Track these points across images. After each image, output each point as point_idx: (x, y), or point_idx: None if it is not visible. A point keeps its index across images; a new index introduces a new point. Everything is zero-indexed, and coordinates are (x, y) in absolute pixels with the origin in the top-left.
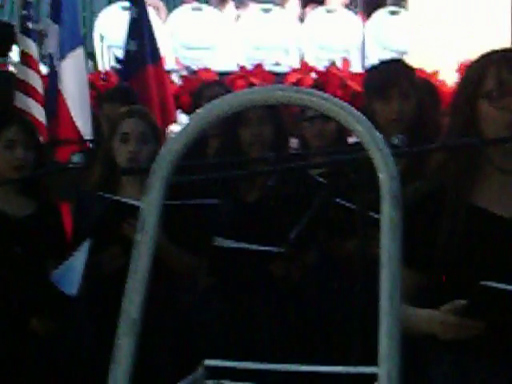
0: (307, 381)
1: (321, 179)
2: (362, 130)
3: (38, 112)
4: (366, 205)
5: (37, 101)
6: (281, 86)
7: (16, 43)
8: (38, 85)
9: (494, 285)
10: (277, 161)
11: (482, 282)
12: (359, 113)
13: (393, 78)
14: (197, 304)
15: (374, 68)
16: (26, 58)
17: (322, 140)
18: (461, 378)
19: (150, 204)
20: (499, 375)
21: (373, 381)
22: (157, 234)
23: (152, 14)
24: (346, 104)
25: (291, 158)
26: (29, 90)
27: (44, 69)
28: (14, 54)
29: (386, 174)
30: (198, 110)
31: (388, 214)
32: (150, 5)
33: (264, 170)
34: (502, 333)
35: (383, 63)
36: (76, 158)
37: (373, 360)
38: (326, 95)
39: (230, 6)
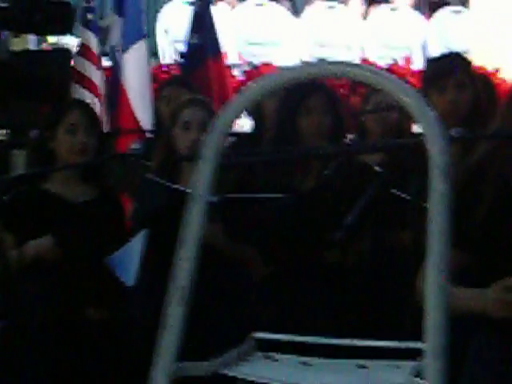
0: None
1: (377, 168)
2: (411, 102)
3: (94, 104)
4: (421, 195)
5: (92, 92)
6: (331, 61)
7: (75, 34)
8: (96, 77)
9: None
10: (334, 151)
11: None
12: (408, 85)
13: (448, 68)
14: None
15: (431, 60)
16: (84, 49)
17: (383, 130)
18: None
19: (201, 175)
20: None
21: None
22: (207, 205)
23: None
24: (395, 77)
25: (347, 149)
26: (85, 82)
27: (108, 62)
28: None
29: (435, 147)
30: (249, 83)
31: (437, 188)
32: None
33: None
34: None
35: (441, 55)
36: (135, 147)
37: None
38: (374, 69)
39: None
